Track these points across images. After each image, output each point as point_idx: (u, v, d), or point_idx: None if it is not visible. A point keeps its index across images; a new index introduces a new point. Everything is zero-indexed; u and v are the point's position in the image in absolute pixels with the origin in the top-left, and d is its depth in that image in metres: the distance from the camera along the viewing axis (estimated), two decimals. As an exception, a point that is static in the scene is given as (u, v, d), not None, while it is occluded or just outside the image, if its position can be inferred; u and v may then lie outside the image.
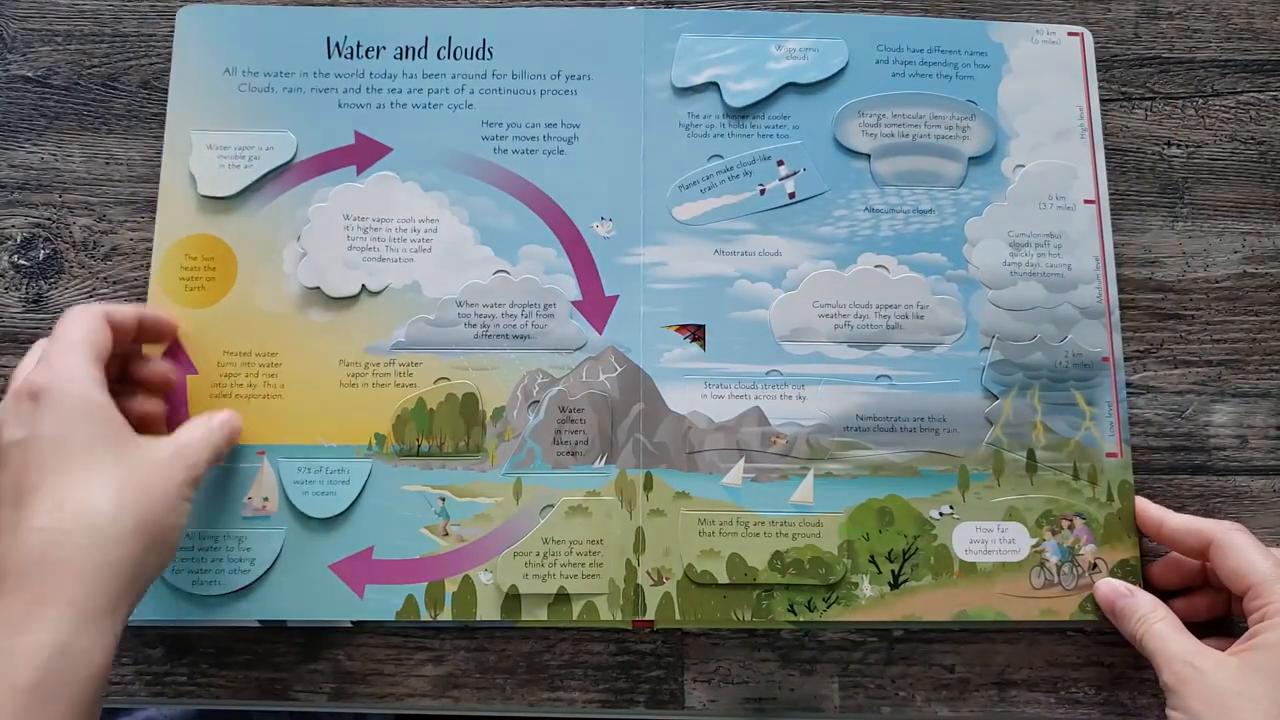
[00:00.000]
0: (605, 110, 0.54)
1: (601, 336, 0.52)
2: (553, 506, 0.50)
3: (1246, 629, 0.44)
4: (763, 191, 0.54)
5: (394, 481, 0.50)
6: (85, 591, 0.37)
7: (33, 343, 0.52)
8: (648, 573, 0.49)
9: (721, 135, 0.54)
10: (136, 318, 0.47)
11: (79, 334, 0.43)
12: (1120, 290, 0.54)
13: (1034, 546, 0.50)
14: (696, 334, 0.52)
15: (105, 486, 0.39)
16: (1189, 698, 0.42)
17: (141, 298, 0.52)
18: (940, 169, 0.54)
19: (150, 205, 0.53)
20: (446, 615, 0.48)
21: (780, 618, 0.49)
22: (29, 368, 0.44)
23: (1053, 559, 0.50)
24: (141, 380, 0.48)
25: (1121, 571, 0.50)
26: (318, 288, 0.51)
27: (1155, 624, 0.45)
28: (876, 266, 0.53)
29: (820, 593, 0.49)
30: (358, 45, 0.55)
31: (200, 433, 0.44)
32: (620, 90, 0.54)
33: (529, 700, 0.49)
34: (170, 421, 0.49)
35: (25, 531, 0.37)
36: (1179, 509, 0.51)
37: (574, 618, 0.49)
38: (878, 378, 0.52)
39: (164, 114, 0.54)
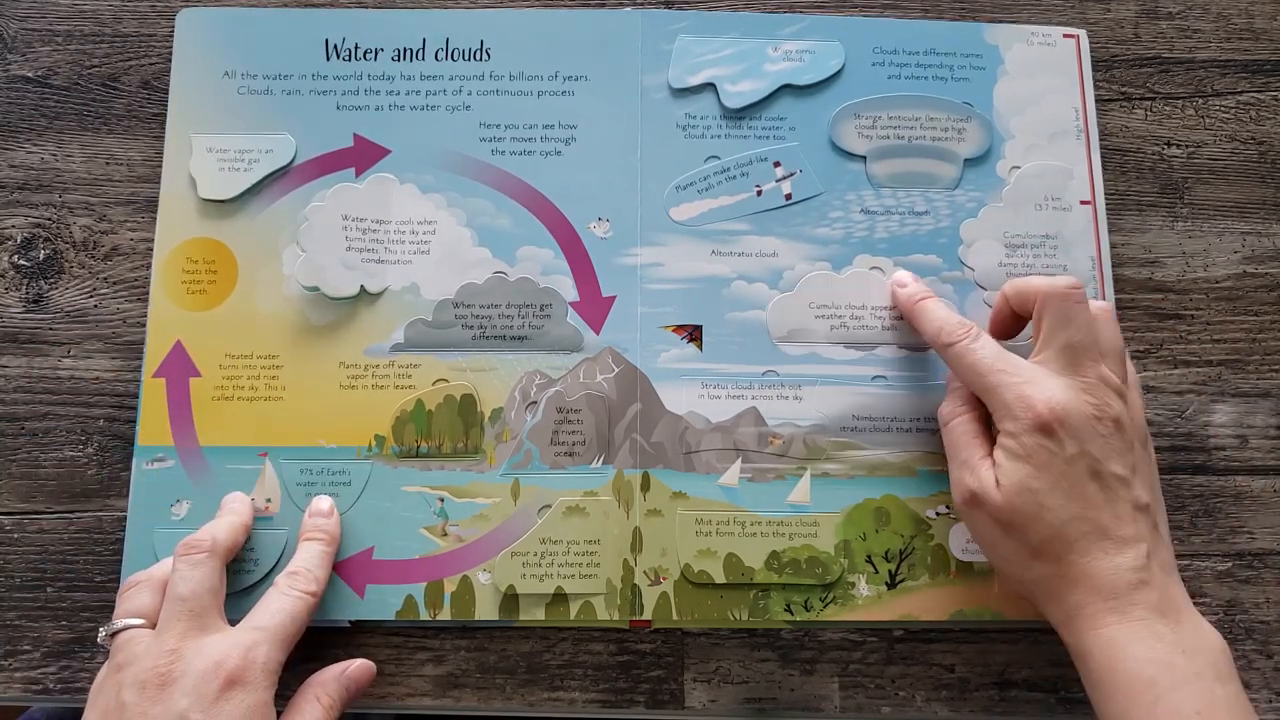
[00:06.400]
0: (602, 111, 0.54)
1: (599, 337, 0.52)
2: (550, 507, 0.50)
3: None
4: (759, 193, 0.54)
5: (393, 482, 0.50)
6: None
7: (32, 342, 0.52)
8: (645, 573, 0.49)
9: (718, 136, 0.54)
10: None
11: (281, 619, 0.44)
12: (1120, 290, 0.54)
13: (1031, 547, 0.50)
14: (694, 334, 0.52)
15: None
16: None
17: (142, 298, 0.52)
18: (936, 171, 0.54)
19: (150, 205, 0.53)
20: (445, 615, 0.48)
21: (777, 617, 0.49)
22: (170, 574, 0.44)
23: (1049, 559, 0.50)
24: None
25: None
26: (316, 288, 0.51)
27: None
28: (872, 268, 0.53)
29: (817, 592, 0.49)
30: (355, 47, 0.55)
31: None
32: (617, 91, 0.54)
33: (529, 700, 0.49)
34: None
35: None
36: (1179, 509, 0.52)
37: (571, 618, 0.49)
38: (874, 378, 0.52)
39: (164, 114, 0.54)
